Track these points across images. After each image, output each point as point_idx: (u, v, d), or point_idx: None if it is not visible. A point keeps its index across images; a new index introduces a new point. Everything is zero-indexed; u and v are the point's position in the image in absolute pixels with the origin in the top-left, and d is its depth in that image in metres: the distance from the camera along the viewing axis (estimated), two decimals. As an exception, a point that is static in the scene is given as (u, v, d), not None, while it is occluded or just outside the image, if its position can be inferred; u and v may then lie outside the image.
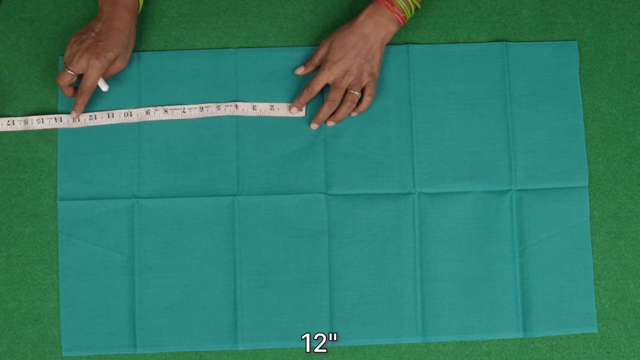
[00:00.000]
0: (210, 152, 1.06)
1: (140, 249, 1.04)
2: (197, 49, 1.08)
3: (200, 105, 1.06)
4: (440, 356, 1.04)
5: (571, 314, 1.05)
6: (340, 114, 1.04)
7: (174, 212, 1.05)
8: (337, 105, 1.03)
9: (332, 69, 1.01)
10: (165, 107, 1.05)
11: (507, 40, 1.09)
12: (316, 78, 1.03)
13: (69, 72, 0.99)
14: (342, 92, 1.02)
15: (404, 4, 0.99)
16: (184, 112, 1.05)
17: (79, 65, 0.98)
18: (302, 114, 1.06)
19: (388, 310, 1.04)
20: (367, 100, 1.03)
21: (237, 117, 1.06)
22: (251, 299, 1.04)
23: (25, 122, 1.05)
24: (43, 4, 1.08)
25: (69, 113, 1.06)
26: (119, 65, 1.02)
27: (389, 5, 0.99)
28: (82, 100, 1.01)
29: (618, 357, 1.05)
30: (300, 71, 1.05)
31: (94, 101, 1.06)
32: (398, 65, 1.08)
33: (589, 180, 1.07)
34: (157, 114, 1.05)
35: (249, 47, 1.08)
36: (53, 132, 1.06)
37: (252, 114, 1.06)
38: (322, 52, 1.03)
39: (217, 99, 1.06)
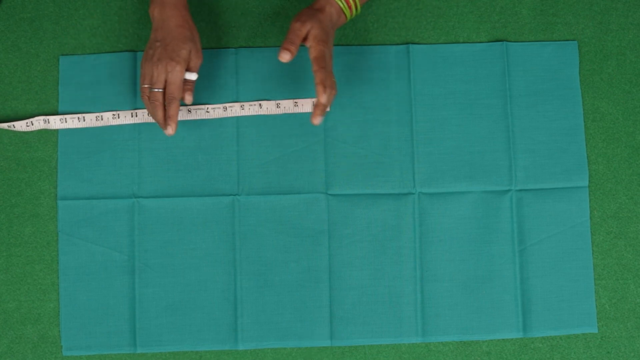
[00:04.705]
0: (210, 151, 1.06)
1: (140, 248, 1.04)
2: (197, 49, 1.08)
3: (224, 104, 1.06)
4: (440, 356, 1.04)
5: (571, 314, 1.05)
6: (329, 101, 0.96)
7: (174, 211, 1.05)
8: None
9: (325, 49, 0.94)
10: (189, 107, 1.05)
11: (507, 40, 1.09)
12: (319, 62, 0.94)
13: (156, 90, 0.96)
14: (330, 75, 0.95)
15: (346, 3, 0.98)
16: (207, 112, 1.05)
17: (161, 79, 0.96)
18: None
19: (388, 310, 1.04)
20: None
21: (238, 117, 1.06)
22: (251, 298, 1.04)
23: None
24: (43, 4, 1.08)
25: (71, 113, 1.06)
26: (196, 61, 0.98)
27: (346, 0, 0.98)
28: (174, 109, 0.96)
29: (618, 357, 1.05)
30: (288, 57, 0.95)
31: (93, 101, 1.06)
32: (398, 65, 1.08)
33: (589, 180, 1.07)
34: (181, 114, 1.05)
35: (249, 47, 1.08)
36: (53, 132, 1.06)
37: (277, 112, 1.06)
38: (303, 33, 0.95)
39: (218, 99, 1.07)
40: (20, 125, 1.05)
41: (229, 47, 1.08)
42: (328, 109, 1.00)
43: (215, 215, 1.05)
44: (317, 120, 0.95)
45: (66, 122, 1.05)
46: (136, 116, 1.05)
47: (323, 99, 0.93)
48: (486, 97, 1.08)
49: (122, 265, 1.04)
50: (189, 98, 0.99)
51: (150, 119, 1.05)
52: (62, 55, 1.07)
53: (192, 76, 0.98)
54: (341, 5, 0.98)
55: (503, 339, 1.05)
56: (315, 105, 0.94)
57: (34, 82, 1.07)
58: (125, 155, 1.06)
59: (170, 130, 0.97)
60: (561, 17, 1.10)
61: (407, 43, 1.09)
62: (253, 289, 1.04)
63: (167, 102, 0.97)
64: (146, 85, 0.97)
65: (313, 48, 0.95)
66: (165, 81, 0.96)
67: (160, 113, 0.97)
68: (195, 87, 1.06)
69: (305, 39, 0.96)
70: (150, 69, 0.96)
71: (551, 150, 1.07)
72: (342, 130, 1.07)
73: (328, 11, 0.98)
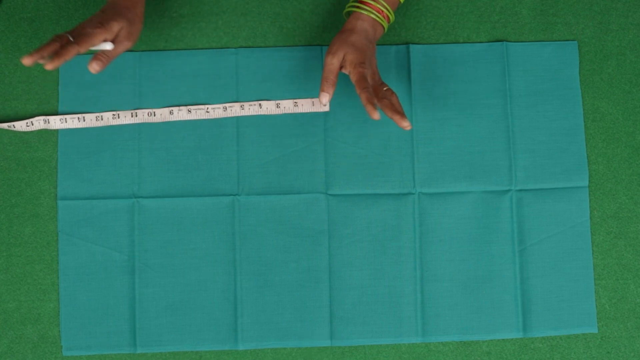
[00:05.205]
0: (210, 152, 1.06)
1: (140, 248, 1.04)
2: (197, 49, 1.08)
3: (224, 104, 1.06)
4: (440, 356, 1.04)
5: (571, 314, 1.05)
6: (399, 105, 0.96)
7: (174, 211, 1.05)
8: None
9: (364, 70, 0.95)
10: (189, 107, 1.05)
11: (507, 40, 1.09)
12: (362, 86, 0.94)
13: (68, 36, 0.90)
14: (376, 91, 0.97)
15: (379, 14, 0.98)
16: (207, 112, 1.05)
17: (78, 31, 0.90)
18: (326, 108, 1.06)
19: (388, 310, 1.04)
20: (391, 91, 0.98)
21: (238, 116, 1.07)
22: (251, 298, 1.04)
23: (46, 121, 1.05)
24: (43, 4, 1.08)
25: (71, 113, 1.06)
26: (123, 41, 0.94)
27: (378, 10, 0.98)
28: (69, 50, 0.88)
29: (618, 357, 1.05)
30: (327, 99, 0.97)
31: (93, 101, 1.06)
32: (398, 65, 1.08)
33: (589, 180, 1.07)
34: (181, 114, 1.05)
35: (249, 47, 1.08)
36: (53, 132, 1.06)
37: (276, 112, 1.06)
38: (337, 67, 0.97)
39: (218, 99, 1.07)
40: (20, 125, 1.05)
41: (229, 47, 1.08)
42: (401, 116, 0.95)
43: (215, 215, 1.05)
44: (406, 122, 0.93)
45: (66, 122, 1.05)
46: (136, 116, 1.05)
47: (376, 116, 0.93)
48: (486, 97, 1.08)
49: (122, 265, 1.04)
50: (94, 66, 0.91)
51: (151, 119, 1.05)
52: (62, 55, 1.07)
53: (107, 45, 0.93)
54: (374, 16, 0.98)
55: (503, 339, 1.05)
56: (395, 115, 0.93)
57: (34, 82, 1.07)
58: (125, 155, 1.06)
59: (50, 65, 0.87)
60: (561, 17, 1.10)
61: (407, 43, 1.09)
62: (253, 289, 1.04)
63: (65, 46, 0.88)
64: (64, 33, 0.90)
65: (352, 73, 0.96)
66: (84, 36, 0.90)
67: (49, 47, 0.88)
68: (196, 86, 1.06)
69: (342, 66, 0.97)
70: (78, 25, 0.91)
71: (551, 150, 1.07)
72: (342, 130, 1.07)
73: (360, 27, 0.98)
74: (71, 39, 0.90)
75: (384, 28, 1.00)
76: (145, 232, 1.04)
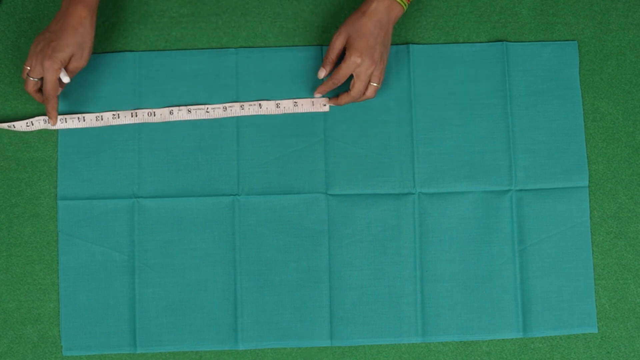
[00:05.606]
0: (210, 152, 1.06)
1: (140, 248, 1.04)
2: (197, 49, 1.08)
3: (224, 104, 1.06)
4: (440, 356, 1.04)
5: (571, 314, 1.05)
6: (357, 100, 1.02)
7: (174, 211, 1.05)
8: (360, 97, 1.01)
9: (358, 59, 0.98)
10: (189, 107, 1.05)
11: (507, 40, 1.09)
12: (342, 70, 0.99)
13: (31, 78, 0.98)
14: (366, 83, 1.00)
15: None
16: (207, 112, 1.05)
17: (37, 70, 0.97)
18: (326, 109, 1.06)
19: (388, 310, 1.04)
20: (375, 88, 1.01)
21: (238, 117, 1.07)
22: (251, 298, 1.04)
23: (45, 121, 1.05)
24: (43, 4, 1.08)
25: (71, 113, 1.06)
26: (76, 64, 0.98)
27: None
28: (51, 105, 0.99)
29: (618, 357, 1.05)
30: (323, 74, 1.03)
31: (93, 102, 1.06)
32: (398, 65, 1.08)
33: (589, 180, 1.07)
34: (181, 114, 1.05)
35: (249, 47, 1.08)
36: (53, 132, 1.06)
37: (276, 112, 1.06)
38: (338, 47, 1.00)
39: (218, 99, 1.07)
40: (20, 125, 1.05)
41: (229, 47, 1.08)
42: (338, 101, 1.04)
43: (215, 215, 1.05)
44: (317, 91, 1.04)
45: (66, 122, 1.05)
46: (136, 116, 1.05)
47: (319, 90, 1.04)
48: (486, 97, 1.08)
49: (122, 265, 1.04)
50: (53, 122, 1.02)
51: (151, 119, 1.05)
52: (62, 55, 1.07)
53: (65, 79, 0.98)
54: None
55: (503, 339, 1.05)
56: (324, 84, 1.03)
57: (34, 82, 1.07)
58: (125, 155, 1.06)
59: (52, 122, 1.02)
60: (561, 17, 1.10)
61: (407, 43, 1.09)
62: (253, 289, 1.04)
63: (44, 99, 0.99)
64: (28, 67, 0.98)
65: (344, 58, 0.99)
66: (43, 77, 0.97)
67: (39, 98, 1.00)
68: (196, 86, 1.06)
69: (347, 48, 0.99)
70: (32, 57, 0.97)
71: (551, 150, 1.07)
72: (342, 130, 1.07)
73: (373, 10, 0.97)
74: (36, 79, 0.98)
75: (403, 8, 0.99)
76: (145, 232, 1.04)
